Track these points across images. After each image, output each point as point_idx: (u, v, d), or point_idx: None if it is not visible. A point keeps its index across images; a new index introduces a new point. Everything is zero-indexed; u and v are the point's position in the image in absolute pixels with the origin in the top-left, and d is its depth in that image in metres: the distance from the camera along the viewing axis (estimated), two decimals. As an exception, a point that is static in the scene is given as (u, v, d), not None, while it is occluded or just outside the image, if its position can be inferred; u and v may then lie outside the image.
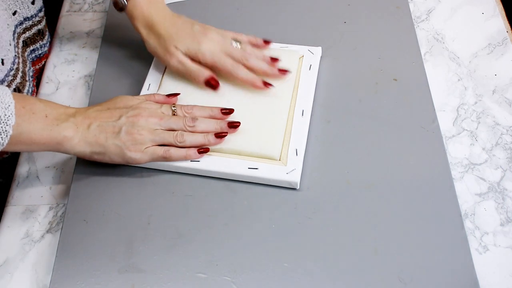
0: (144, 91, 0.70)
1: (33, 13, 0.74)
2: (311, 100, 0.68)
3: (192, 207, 0.62)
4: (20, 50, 0.72)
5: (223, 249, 0.59)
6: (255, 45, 0.72)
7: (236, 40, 0.70)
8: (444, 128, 0.68)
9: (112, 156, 0.61)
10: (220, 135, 0.63)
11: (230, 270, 0.57)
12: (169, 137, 0.62)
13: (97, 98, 0.72)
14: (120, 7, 0.70)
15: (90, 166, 0.65)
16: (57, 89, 0.76)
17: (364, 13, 0.79)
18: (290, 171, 0.62)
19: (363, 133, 0.67)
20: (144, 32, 0.70)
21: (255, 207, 0.62)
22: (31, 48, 0.76)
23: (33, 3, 0.73)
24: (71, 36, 0.82)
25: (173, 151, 0.62)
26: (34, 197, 0.66)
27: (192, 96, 0.68)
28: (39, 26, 0.77)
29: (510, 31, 0.78)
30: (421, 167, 0.64)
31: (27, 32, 0.74)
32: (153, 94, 0.67)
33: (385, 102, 0.69)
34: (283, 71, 0.69)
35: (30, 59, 0.76)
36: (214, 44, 0.68)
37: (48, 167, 0.68)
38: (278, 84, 0.69)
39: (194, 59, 0.69)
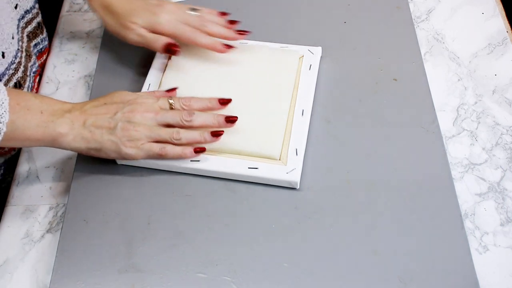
0: (144, 90, 0.70)
1: (31, 5, 0.75)
2: (311, 100, 0.68)
3: (192, 207, 0.62)
4: (25, 45, 0.72)
5: (223, 249, 0.59)
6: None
7: (193, 10, 0.71)
8: (444, 128, 0.68)
9: (108, 152, 0.61)
10: (216, 134, 0.63)
11: (230, 270, 0.57)
12: (165, 134, 0.62)
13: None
14: None
15: (90, 166, 0.65)
16: (57, 89, 0.76)
17: (364, 13, 0.79)
18: (290, 170, 0.62)
19: (363, 133, 0.67)
20: (101, 12, 0.71)
21: (255, 207, 0.62)
22: (34, 42, 0.77)
23: None
24: (71, 36, 0.82)
25: (169, 149, 0.62)
26: (34, 197, 0.66)
27: (193, 96, 0.68)
28: (38, 19, 0.77)
29: (510, 31, 0.78)
30: (421, 167, 0.64)
31: (29, 26, 0.75)
32: (153, 91, 0.67)
33: (385, 102, 0.69)
34: (242, 32, 0.70)
35: (35, 53, 0.77)
36: (170, 14, 0.69)
37: (48, 167, 0.68)
38: (278, 84, 0.69)
39: (153, 32, 0.69)
